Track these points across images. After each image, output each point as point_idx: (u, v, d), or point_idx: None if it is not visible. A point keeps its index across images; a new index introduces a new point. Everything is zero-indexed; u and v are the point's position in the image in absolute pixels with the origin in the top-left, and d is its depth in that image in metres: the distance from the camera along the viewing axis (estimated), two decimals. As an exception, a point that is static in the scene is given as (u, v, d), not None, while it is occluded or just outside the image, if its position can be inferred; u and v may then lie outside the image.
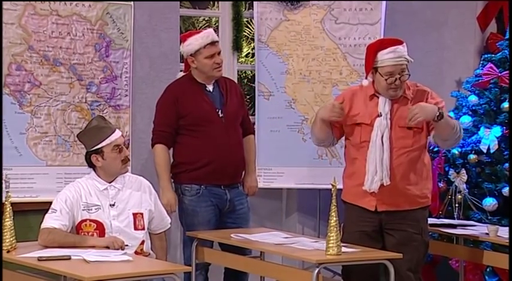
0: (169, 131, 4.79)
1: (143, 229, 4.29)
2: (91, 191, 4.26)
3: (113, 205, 4.25)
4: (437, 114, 4.25)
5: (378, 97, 4.41)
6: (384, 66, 4.32)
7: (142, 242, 4.28)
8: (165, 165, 4.79)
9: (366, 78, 4.45)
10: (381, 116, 4.37)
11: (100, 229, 4.19)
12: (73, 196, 4.22)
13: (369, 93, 4.43)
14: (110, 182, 4.29)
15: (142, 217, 4.30)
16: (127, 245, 4.12)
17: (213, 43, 4.81)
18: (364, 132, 4.41)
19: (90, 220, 4.20)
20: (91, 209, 4.22)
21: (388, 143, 4.35)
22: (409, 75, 4.37)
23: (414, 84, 4.47)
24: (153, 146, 4.84)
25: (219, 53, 4.83)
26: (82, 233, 4.19)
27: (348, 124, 4.48)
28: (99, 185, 4.28)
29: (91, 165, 4.29)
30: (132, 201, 4.30)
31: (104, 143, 4.25)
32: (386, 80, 4.32)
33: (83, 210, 4.21)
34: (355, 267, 4.28)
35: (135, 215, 4.28)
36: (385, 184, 4.32)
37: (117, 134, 4.31)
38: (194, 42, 4.79)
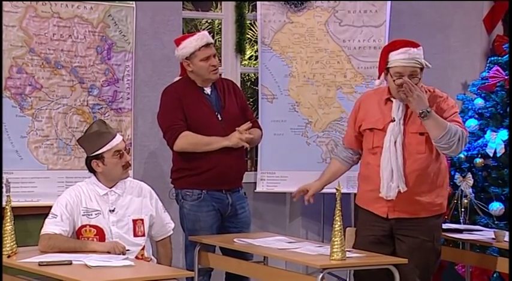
0: (184, 124, 4.71)
1: (143, 235, 4.25)
2: (91, 196, 4.21)
3: (113, 210, 4.21)
4: (421, 111, 4.17)
5: (393, 101, 4.35)
6: (394, 66, 4.26)
7: (143, 248, 4.23)
8: (204, 136, 4.67)
9: (379, 78, 4.40)
10: (394, 121, 4.32)
11: (100, 234, 4.15)
12: (73, 200, 4.17)
13: (384, 97, 4.38)
14: (110, 188, 4.25)
15: (143, 223, 4.26)
16: (128, 250, 4.08)
17: (208, 45, 4.76)
18: (376, 137, 4.37)
19: (90, 226, 4.17)
20: (91, 215, 4.18)
21: (401, 149, 4.30)
22: (419, 78, 4.28)
23: (431, 90, 4.40)
24: (175, 139, 4.67)
25: (214, 56, 4.78)
26: (82, 239, 4.15)
27: (362, 129, 4.44)
28: (99, 190, 4.23)
29: (91, 170, 4.24)
30: (132, 207, 4.26)
31: (104, 149, 4.19)
32: (394, 81, 4.26)
33: (83, 215, 4.17)
34: (366, 272, 4.22)
35: (135, 221, 4.23)
36: (401, 191, 4.26)
37: (118, 139, 4.26)
38: (189, 45, 4.74)
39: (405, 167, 4.28)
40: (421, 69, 4.30)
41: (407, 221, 4.33)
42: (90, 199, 4.21)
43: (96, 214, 4.18)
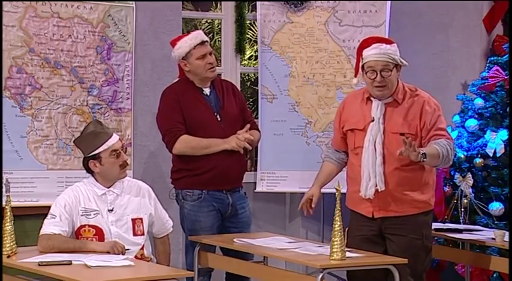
0: (183, 127, 4.72)
1: (143, 234, 4.25)
2: (89, 196, 4.22)
3: (111, 210, 4.21)
4: (420, 160, 4.20)
5: (372, 101, 4.37)
6: (366, 62, 4.32)
7: (142, 247, 4.23)
8: (203, 139, 4.67)
9: (355, 76, 4.46)
10: (374, 121, 4.33)
11: (99, 234, 4.15)
12: (72, 201, 4.17)
13: (365, 96, 4.40)
14: (108, 187, 4.25)
15: (142, 222, 4.26)
16: (128, 249, 4.08)
17: (203, 43, 4.77)
18: (357, 138, 4.39)
19: (89, 226, 4.17)
20: (90, 215, 4.18)
21: (381, 148, 4.32)
22: (393, 73, 4.28)
23: (413, 89, 4.42)
24: (174, 143, 4.68)
25: (210, 53, 4.78)
26: (82, 239, 4.15)
27: (345, 130, 4.48)
28: (97, 190, 4.23)
29: (89, 170, 4.24)
30: (131, 206, 4.26)
31: (101, 149, 4.19)
32: (367, 74, 4.31)
33: (82, 215, 4.17)
34: (361, 272, 4.22)
35: (134, 220, 4.24)
36: (379, 190, 4.29)
37: (115, 138, 4.26)
38: (183, 44, 4.75)
39: (385, 167, 4.30)
40: (396, 66, 4.32)
41: (394, 219, 4.34)
42: (89, 199, 4.20)
43: (94, 214, 4.18)
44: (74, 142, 4.46)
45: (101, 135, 4.22)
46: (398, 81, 4.38)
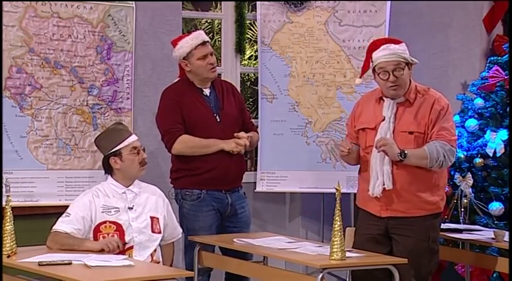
0: (182, 128, 4.73)
1: (159, 232, 4.30)
2: (109, 194, 4.27)
3: (131, 208, 4.25)
4: (398, 159, 4.23)
5: (384, 100, 4.38)
6: (378, 63, 4.33)
7: (155, 249, 4.28)
8: (202, 139, 4.69)
9: (360, 77, 4.49)
10: (384, 120, 4.34)
11: (120, 230, 4.20)
12: (90, 200, 4.22)
13: (378, 96, 4.41)
14: (127, 186, 4.29)
15: (158, 221, 4.31)
16: (125, 243, 4.11)
17: (204, 43, 4.77)
18: (368, 137, 4.41)
19: (110, 222, 4.21)
20: (110, 211, 4.22)
21: None
22: (405, 72, 4.30)
23: (426, 89, 4.42)
24: (173, 142, 4.70)
25: (211, 54, 4.79)
26: (101, 235, 4.17)
27: (356, 130, 4.48)
28: (117, 189, 4.29)
29: (109, 168, 4.29)
30: (149, 205, 4.31)
31: (122, 145, 4.26)
32: (379, 76, 4.32)
33: (102, 212, 4.21)
34: (364, 272, 4.22)
35: (152, 218, 4.29)
36: (387, 188, 4.30)
37: (134, 136, 4.35)
38: (185, 44, 4.76)
39: (394, 166, 4.30)
40: (407, 64, 4.33)
41: (402, 220, 4.34)
42: (109, 197, 4.26)
43: (115, 211, 4.23)
44: (94, 140, 4.51)
45: (121, 132, 4.30)
46: (410, 81, 4.39)
